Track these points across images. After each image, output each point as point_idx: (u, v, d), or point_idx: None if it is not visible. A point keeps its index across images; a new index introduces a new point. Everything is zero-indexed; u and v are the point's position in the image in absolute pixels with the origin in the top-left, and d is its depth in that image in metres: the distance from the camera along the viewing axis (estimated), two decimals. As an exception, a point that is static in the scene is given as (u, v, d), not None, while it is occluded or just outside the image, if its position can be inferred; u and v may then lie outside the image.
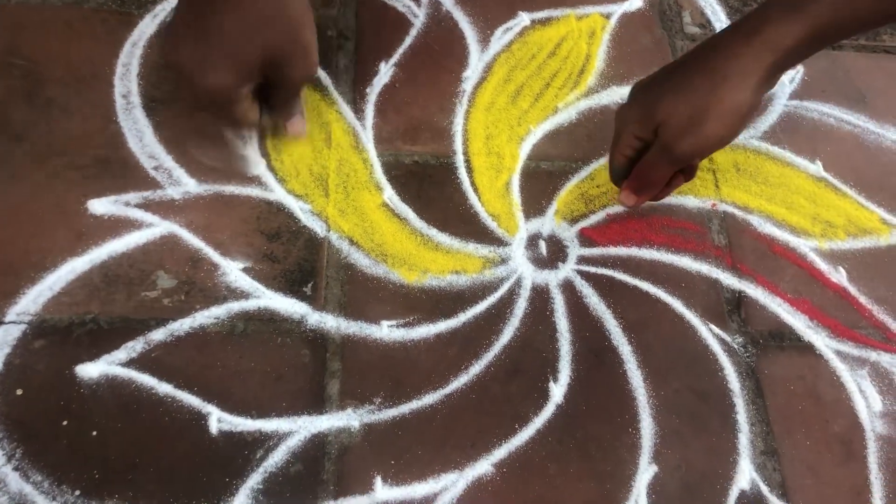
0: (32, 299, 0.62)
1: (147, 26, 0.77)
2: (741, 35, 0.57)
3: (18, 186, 0.67)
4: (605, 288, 0.68)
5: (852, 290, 0.71)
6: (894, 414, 0.65)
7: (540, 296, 0.67)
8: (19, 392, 0.59)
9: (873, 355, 0.67)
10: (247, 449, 0.58)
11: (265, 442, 0.59)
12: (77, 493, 0.55)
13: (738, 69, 0.57)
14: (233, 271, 0.65)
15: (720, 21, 0.87)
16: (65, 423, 0.58)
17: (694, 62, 0.60)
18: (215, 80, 0.59)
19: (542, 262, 0.69)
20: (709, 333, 0.67)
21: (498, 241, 0.70)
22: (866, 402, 0.65)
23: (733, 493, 0.60)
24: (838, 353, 0.67)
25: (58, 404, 0.58)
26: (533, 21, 0.84)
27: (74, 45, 0.75)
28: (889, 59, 0.87)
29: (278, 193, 0.70)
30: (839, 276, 0.71)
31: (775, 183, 0.76)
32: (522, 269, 0.69)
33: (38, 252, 0.64)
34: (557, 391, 0.63)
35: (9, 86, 0.72)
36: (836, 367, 0.67)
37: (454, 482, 0.59)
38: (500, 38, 0.82)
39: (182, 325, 0.62)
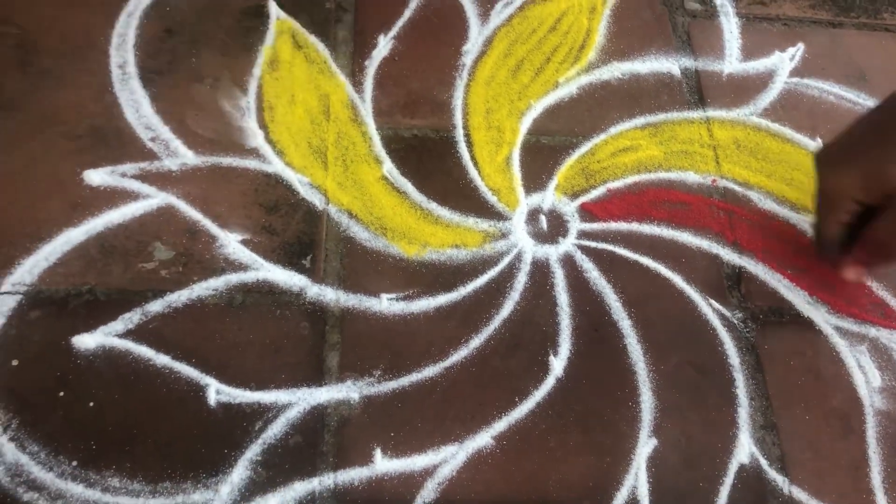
0: (28, 269, 0.61)
1: (143, -4, 0.76)
2: None
3: (12, 156, 0.66)
4: (606, 262, 0.68)
5: (852, 266, 0.70)
6: (893, 389, 0.65)
7: (540, 270, 0.67)
8: (15, 363, 0.58)
9: (872, 331, 0.67)
10: (245, 420, 0.58)
11: (264, 414, 0.58)
12: (74, 463, 0.55)
13: None
14: (231, 243, 0.65)
15: (721, -3, 0.86)
16: (61, 394, 0.57)
17: None
18: (837, 183, 0.58)
19: (542, 237, 0.69)
20: (709, 308, 0.67)
21: (498, 216, 0.70)
22: (865, 377, 0.65)
23: (733, 467, 0.60)
24: (838, 328, 0.67)
25: (54, 375, 0.58)
26: (533, -5, 0.83)
27: (69, 14, 0.74)
28: (889, 38, 0.87)
29: (276, 166, 0.69)
30: (839, 253, 0.71)
31: (775, 159, 0.76)
32: (523, 243, 0.68)
33: (33, 222, 0.63)
34: (557, 365, 0.63)
35: (2, 55, 0.71)
36: (835, 343, 0.67)
37: (454, 454, 0.58)
38: (500, 11, 0.81)
39: (180, 297, 0.62)
